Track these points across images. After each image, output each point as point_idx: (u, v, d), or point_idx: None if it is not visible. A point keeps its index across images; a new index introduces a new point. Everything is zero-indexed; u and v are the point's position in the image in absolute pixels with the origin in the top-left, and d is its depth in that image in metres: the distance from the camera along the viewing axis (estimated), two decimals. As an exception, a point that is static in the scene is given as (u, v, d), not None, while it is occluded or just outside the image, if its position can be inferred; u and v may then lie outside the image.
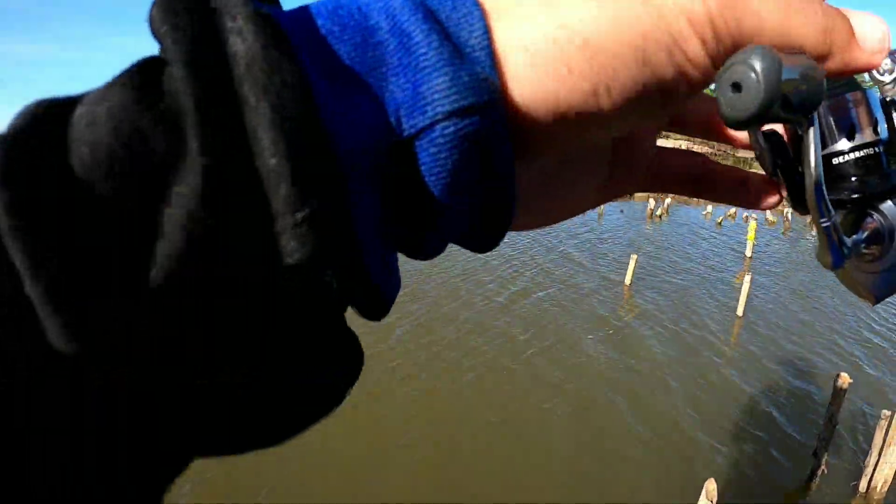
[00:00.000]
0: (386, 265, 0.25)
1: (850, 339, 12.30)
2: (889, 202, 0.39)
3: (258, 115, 0.20)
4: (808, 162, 0.32)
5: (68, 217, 0.19)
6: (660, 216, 22.74)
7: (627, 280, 14.81)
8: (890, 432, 6.59)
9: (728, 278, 15.59)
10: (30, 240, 0.19)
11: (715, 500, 5.32)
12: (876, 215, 0.40)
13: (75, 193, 0.19)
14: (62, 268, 0.19)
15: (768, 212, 19.30)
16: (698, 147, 46.82)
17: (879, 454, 6.76)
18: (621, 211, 24.00)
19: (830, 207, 0.34)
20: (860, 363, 11.21)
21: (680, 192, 0.42)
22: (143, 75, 0.21)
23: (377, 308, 0.26)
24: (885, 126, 0.39)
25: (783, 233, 20.64)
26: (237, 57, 0.20)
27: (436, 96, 0.23)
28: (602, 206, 22.78)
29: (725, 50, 0.27)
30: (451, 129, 0.23)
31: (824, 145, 0.38)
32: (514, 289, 14.16)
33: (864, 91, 0.38)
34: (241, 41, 0.20)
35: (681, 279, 15.68)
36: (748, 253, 17.77)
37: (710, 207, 23.69)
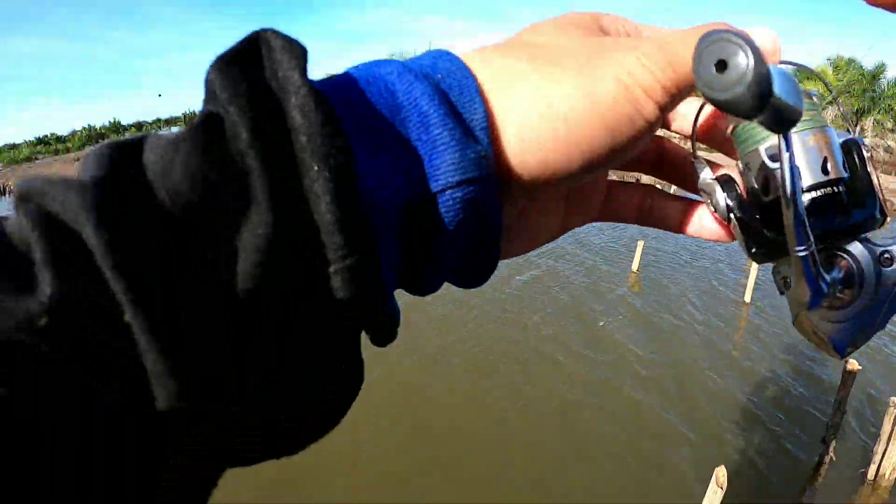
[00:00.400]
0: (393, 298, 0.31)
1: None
2: (857, 243, 0.40)
3: (319, 180, 0.25)
4: (785, 181, 0.33)
5: (161, 257, 0.22)
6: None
7: (634, 266, 14.79)
8: (899, 421, 6.61)
9: (737, 263, 15.52)
10: (132, 277, 0.21)
11: (725, 486, 5.33)
12: (846, 255, 0.40)
13: (163, 235, 0.23)
14: (173, 325, 0.22)
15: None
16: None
17: (888, 442, 6.78)
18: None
19: (810, 233, 0.35)
20: (871, 349, 11.18)
21: (633, 223, 0.47)
22: (206, 134, 0.25)
23: (390, 335, 0.31)
24: (844, 165, 0.39)
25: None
26: (299, 130, 0.25)
27: (448, 169, 0.29)
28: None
29: (673, 99, 0.34)
30: (458, 194, 0.30)
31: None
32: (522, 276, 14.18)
33: (825, 129, 0.39)
34: (302, 117, 0.25)
35: (688, 265, 15.65)
36: (755, 237, 17.63)
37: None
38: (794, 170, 0.33)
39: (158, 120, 55.99)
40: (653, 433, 8.32)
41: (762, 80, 0.25)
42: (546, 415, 8.73)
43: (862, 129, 41.59)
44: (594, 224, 0.49)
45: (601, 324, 11.71)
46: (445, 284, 0.37)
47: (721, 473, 5.37)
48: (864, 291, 0.40)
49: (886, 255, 0.39)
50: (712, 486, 5.41)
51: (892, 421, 6.78)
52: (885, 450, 6.80)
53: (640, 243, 14.84)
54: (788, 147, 0.33)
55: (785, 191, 0.33)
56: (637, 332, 11.33)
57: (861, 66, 41.93)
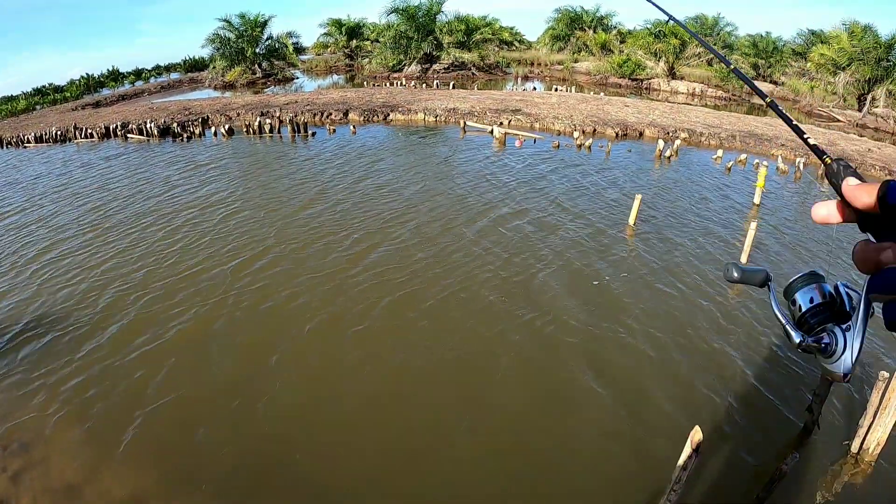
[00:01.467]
0: None
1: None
2: (835, 325, 1.19)
3: None
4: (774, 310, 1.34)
5: None
6: (668, 158, 22.17)
7: (631, 220, 14.48)
8: (887, 394, 6.32)
9: (735, 223, 15.21)
10: None
11: (698, 447, 5.14)
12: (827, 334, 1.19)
13: None
14: None
15: (780, 160, 18.87)
16: (713, 90, 45.22)
17: (874, 416, 6.52)
18: (629, 150, 23.42)
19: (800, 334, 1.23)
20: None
21: None
22: None
23: None
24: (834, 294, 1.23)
25: (795, 181, 20.08)
26: None
27: None
28: (609, 145, 22.48)
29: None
30: None
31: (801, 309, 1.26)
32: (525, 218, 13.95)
33: (820, 283, 1.26)
34: None
35: (685, 222, 15.32)
36: (756, 200, 17.30)
37: (720, 152, 23.05)
38: (774, 302, 1.38)
39: (158, 66, 55.27)
40: (637, 388, 8.18)
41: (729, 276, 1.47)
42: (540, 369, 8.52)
43: (873, 99, 40.90)
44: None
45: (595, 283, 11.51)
46: None
47: (697, 437, 5.14)
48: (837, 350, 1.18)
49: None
50: (686, 447, 5.18)
51: (879, 395, 6.53)
52: (871, 424, 6.55)
53: (638, 197, 14.52)
54: (770, 289, 1.42)
55: (776, 315, 1.33)
56: (635, 288, 11.15)
57: (877, 34, 41.20)
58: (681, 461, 5.29)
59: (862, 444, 6.75)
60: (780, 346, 9.57)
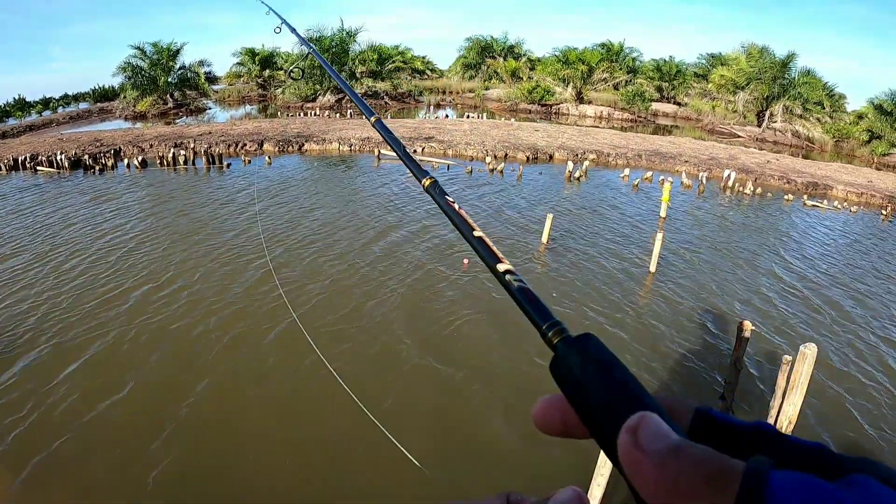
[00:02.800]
0: None
1: (759, 289, 12.57)
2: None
3: None
4: None
5: None
6: (578, 178, 22.78)
7: (544, 238, 14.73)
8: (792, 375, 6.61)
9: (643, 236, 15.72)
10: None
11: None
12: None
13: None
14: None
15: (684, 175, 19.71)
16: (619, 113, 46.67)
17: (783, 397, 6.80)
18: (540, 173, 23.92)
19: None
20: (767, 310, 11.46)
21: None
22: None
23: None
24: None
25: (698, 195, 21.00)
26: None
27: None
28: (521, 168, 22.89)
29: None
30: None
31: None
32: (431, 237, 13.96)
33: None
34: None
35: (597, 236, 15.73)
36: (662, 213, 18.03)
37: (626, 171, 23.91)
38: None
39: (66, 95, 52.88)
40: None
41: None
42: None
43: (771, 115, 43.40)
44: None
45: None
46: None
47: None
48: None
49: None
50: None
51: (785, 377, 6.82)
52: (781, 404, 6.82)
53: (549, 217, 14.79)
54: None
55: None
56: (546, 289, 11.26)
57: (773, 55, 43.96)
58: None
59: (775, 422, 7.00)
60: (686, 342, 9.92)
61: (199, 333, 9.68)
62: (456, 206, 0.86)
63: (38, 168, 23.36)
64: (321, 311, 10.52)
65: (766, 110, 44.17)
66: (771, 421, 7.09)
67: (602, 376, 0.53)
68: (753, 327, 7.79)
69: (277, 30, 3.36)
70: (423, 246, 14.24)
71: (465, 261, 12.88)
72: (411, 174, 1.04)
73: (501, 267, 0.70)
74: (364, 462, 6.88)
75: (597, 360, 0.54)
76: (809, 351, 6.47)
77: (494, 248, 0.74)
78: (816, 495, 0.36)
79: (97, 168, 23.40)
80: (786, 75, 42.89)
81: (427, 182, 0.99)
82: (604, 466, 5.65)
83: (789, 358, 6.89)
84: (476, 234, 0.78)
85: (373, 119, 1.48)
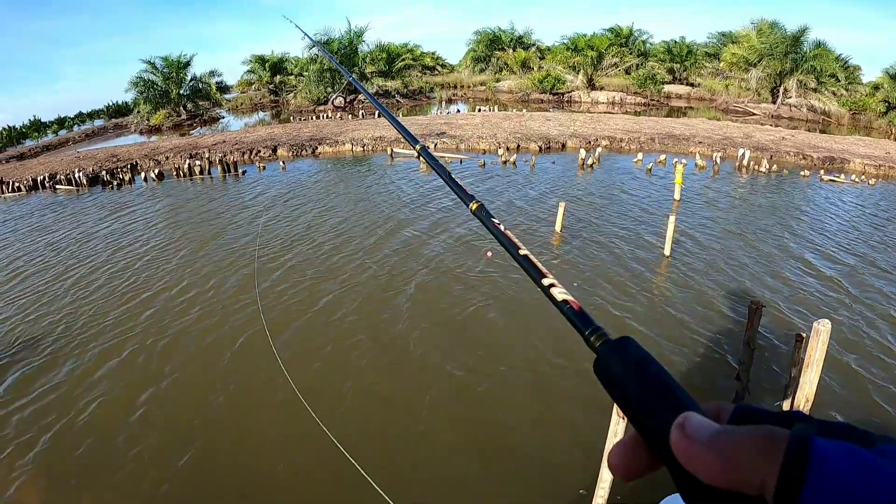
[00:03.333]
0: None
1: (773, 269, 12.47)
2: None
3: None
4: None
5: None
6: (591, 165, 22.71)
7: (557, 227, 14.72)
8: (808, 353, 6.58)
9: (657, 220, 15.65)
10: None
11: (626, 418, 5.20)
12: None
13: None
14: None
15: (698, 156, 19.56)
16: (632, 97, 46.38)
17: (800, 374, 6.77)
18: (553, 162, 23.90)
19: None
20: (781, 289, 11.38)
21: None
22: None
23: None
24: None
25: (713, 175, 20.86)
26: None
27: None
28: (533, 158, 22.86)
29: None
30: None
31: None
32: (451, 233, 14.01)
33: None
34: None
35: (611, 223, 15.70)
36: (676, 196, 17.92)
37: (640, 155, 23.80)
38: None
39: (81, 113, 53.39)
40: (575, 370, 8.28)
41: None
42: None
43: (785, 90, 42.81)
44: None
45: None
46: None
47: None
48: None
49: None
50: (614, 415, 5.28)
51: (800, 355, 6.78)
52: (798, 382, 6.79)
53: (562, 205, 14.79)
54: None
55: None
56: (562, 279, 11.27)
57: (783, 29, 43.30)
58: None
59: (792, 402, 6.98)
60: (701, 323, 9.89)
61: (214, 339, 9.84)
62: (502, 228, 0.94)
63: (57, 186, 23.64)
64: (324, 313, 10.64)
65: (779, 86, 43.55)
66: (788, 399, 7.08)
67: (639, 374, 0.61)
68: (768, 306, 7.75)
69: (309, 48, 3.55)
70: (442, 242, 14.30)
71: (489, 253, 12.97)
72: (458, 198, 1.12)
73: (546, 281, 0.80)
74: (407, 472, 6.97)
75: (635, 361, 0.62)
76: (823, 328, 6.42)
77: (539, 264, 0.83)
78: (855, 457, 0.42)
79: (115, 183, 23.63)
80: (797, 50, 42.18)
81: (474, 206, 1.07)
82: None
83: (803, 335, 6.86)
84: (521, 252, 0.85)
85: (417, 147, 1.50)
